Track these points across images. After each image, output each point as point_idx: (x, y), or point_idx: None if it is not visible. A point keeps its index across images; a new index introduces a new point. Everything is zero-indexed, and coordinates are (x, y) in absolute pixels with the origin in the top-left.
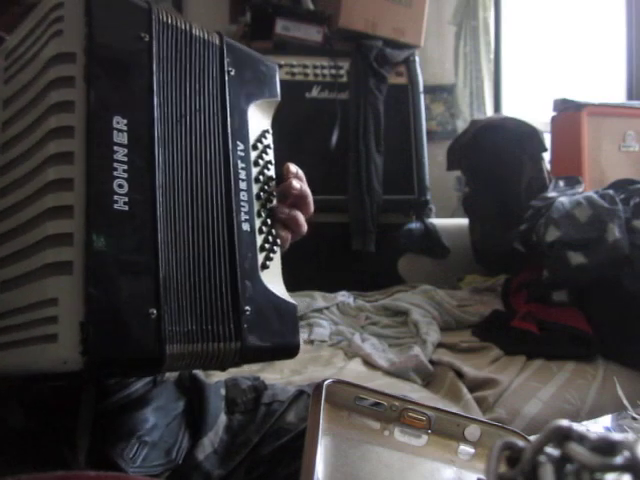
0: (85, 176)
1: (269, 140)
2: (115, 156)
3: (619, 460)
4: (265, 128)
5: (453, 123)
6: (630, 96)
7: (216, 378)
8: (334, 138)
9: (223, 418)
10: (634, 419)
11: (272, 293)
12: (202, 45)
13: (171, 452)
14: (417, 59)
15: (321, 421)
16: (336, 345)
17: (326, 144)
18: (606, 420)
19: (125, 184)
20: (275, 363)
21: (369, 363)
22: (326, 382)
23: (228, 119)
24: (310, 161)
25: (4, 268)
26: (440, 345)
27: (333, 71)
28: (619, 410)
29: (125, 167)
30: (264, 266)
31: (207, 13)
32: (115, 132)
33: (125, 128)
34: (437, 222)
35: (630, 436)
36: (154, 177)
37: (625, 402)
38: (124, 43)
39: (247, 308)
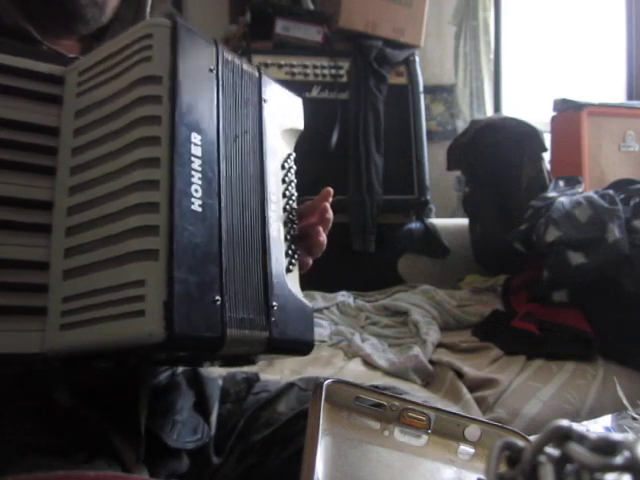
0: (169, 179)
1: (292, 163)
2: (192, 165)
3: (619, 460)
4: (289, 152)
5: (453, 123)
6: (630, 96)
7: (216, 375)
8: (334, 138)
9: (216, 407)
10: (634, 419)
11: (294, 294)
12: (248, 77)
13: (197, 431)
14: (417, 59)
15: (321, 421)
16: (336, 345)
17: (326, 144)
18: (606, 420)
19: (200, 189)
20: (275, 363)
21: (369, 363)
22: (326, 382)
23: (265, 141)
24: (310, 161)
25: (94, 251)
26: (440, 345)
27: (333, 71)
28: (619, 410)
29: (200, 175)
30: (288, 270)
31: (207, 13)
32: (193, 146)
33: (200, 143)
34: (437, 222)
35: (630, 436)
36: (219, 187)
37: (625, 402)
38: (198, 72)
39: (274, 304)
